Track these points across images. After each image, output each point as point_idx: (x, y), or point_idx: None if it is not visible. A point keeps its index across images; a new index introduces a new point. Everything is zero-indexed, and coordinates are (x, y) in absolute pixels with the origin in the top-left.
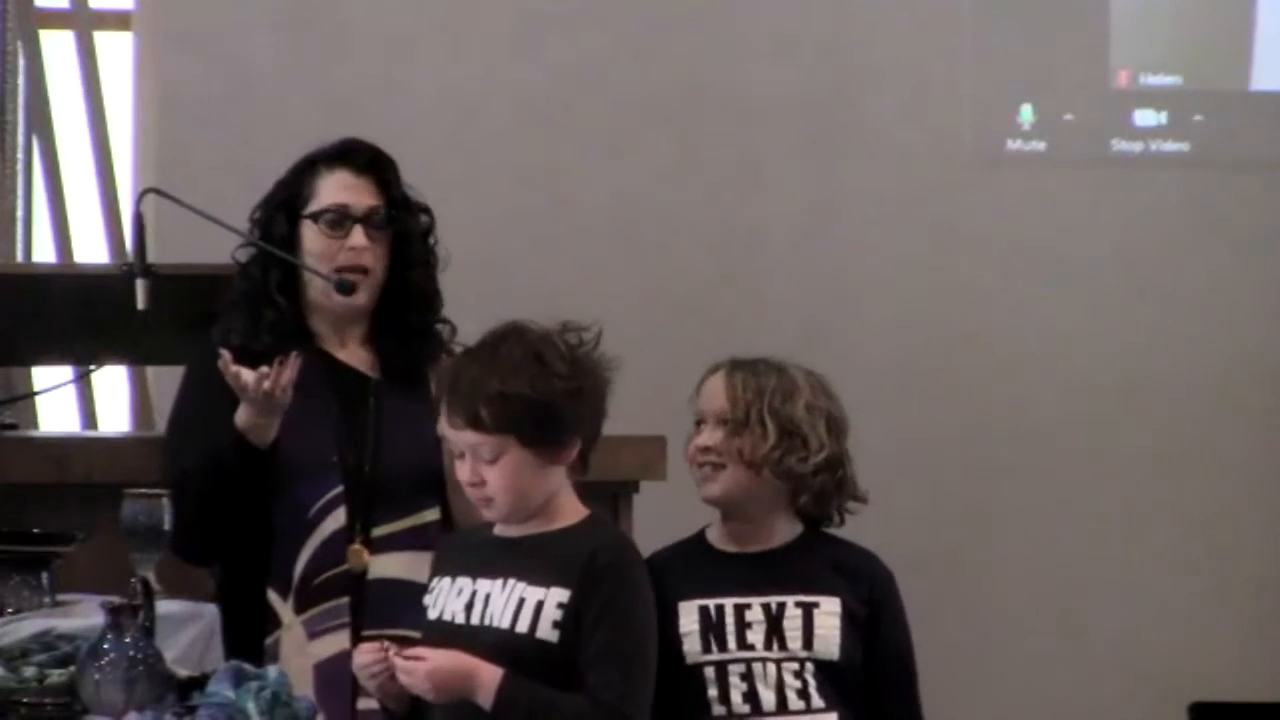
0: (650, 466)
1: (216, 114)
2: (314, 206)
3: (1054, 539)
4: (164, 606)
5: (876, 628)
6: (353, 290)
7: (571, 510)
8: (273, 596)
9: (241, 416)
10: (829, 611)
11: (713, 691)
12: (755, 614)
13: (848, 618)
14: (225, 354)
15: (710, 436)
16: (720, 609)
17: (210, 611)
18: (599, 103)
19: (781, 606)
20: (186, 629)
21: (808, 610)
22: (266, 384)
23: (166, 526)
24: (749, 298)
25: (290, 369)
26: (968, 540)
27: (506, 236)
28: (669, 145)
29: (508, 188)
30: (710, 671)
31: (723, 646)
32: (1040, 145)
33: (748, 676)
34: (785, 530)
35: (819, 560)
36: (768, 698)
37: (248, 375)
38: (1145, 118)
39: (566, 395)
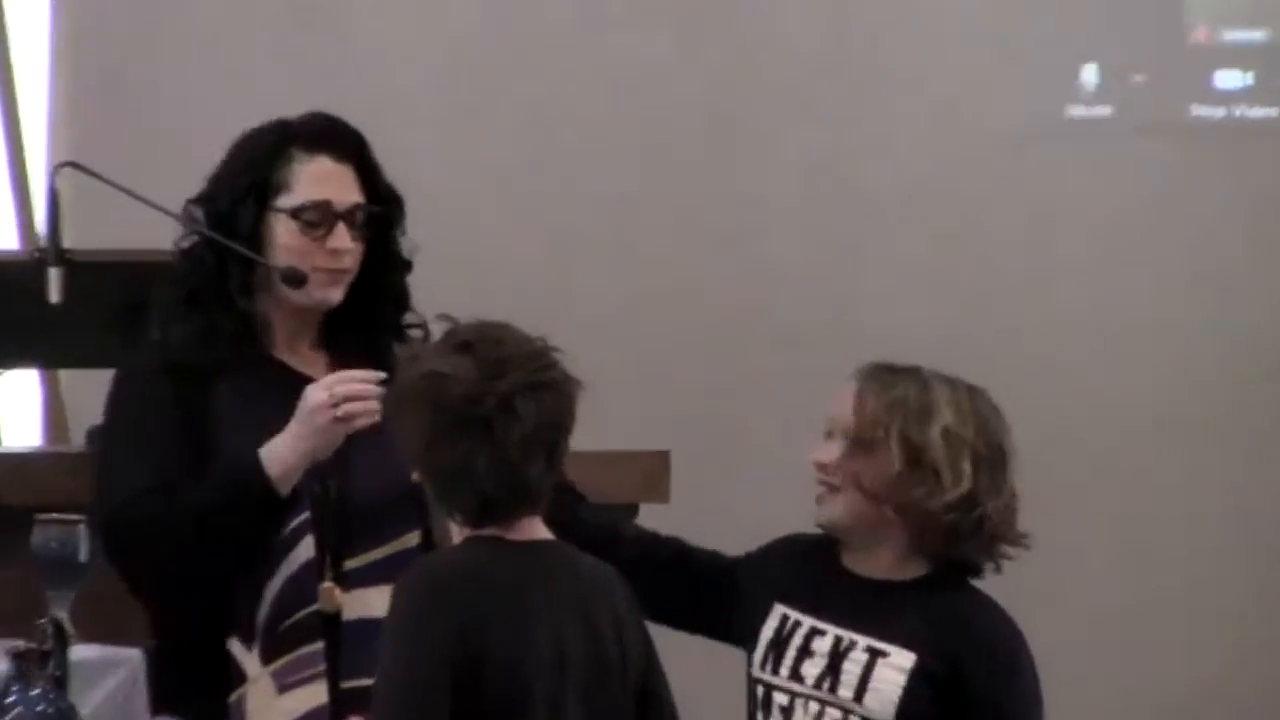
0: (653, 485)
1: (144, 76)
2: (291, 200)
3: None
4: (79, 652)
5: (962, 703)
6: (302, 282)
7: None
8: (235, 646)
9: (295, 447)
10: (896, 665)
11: (759, 715)
12: (823, 644)
13: (921, 677)
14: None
15: (828, 452)
16: (795, 626)
17: (132, 658)
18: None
19: (851, 645)
20: (105, 678)
21: (873, 657)
22: (352, 406)
23: (83, 558)
24: (756, 293)
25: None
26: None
27: (507, 240)
28: (686, 121)
29: (499, 189)
30: (759, 691)
31: (776, 669)
32: (1106, 110)
33: (788, 712)
34: (906, 568)
35: (921, 606)
36: None
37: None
38: (1228, 79)
39: None
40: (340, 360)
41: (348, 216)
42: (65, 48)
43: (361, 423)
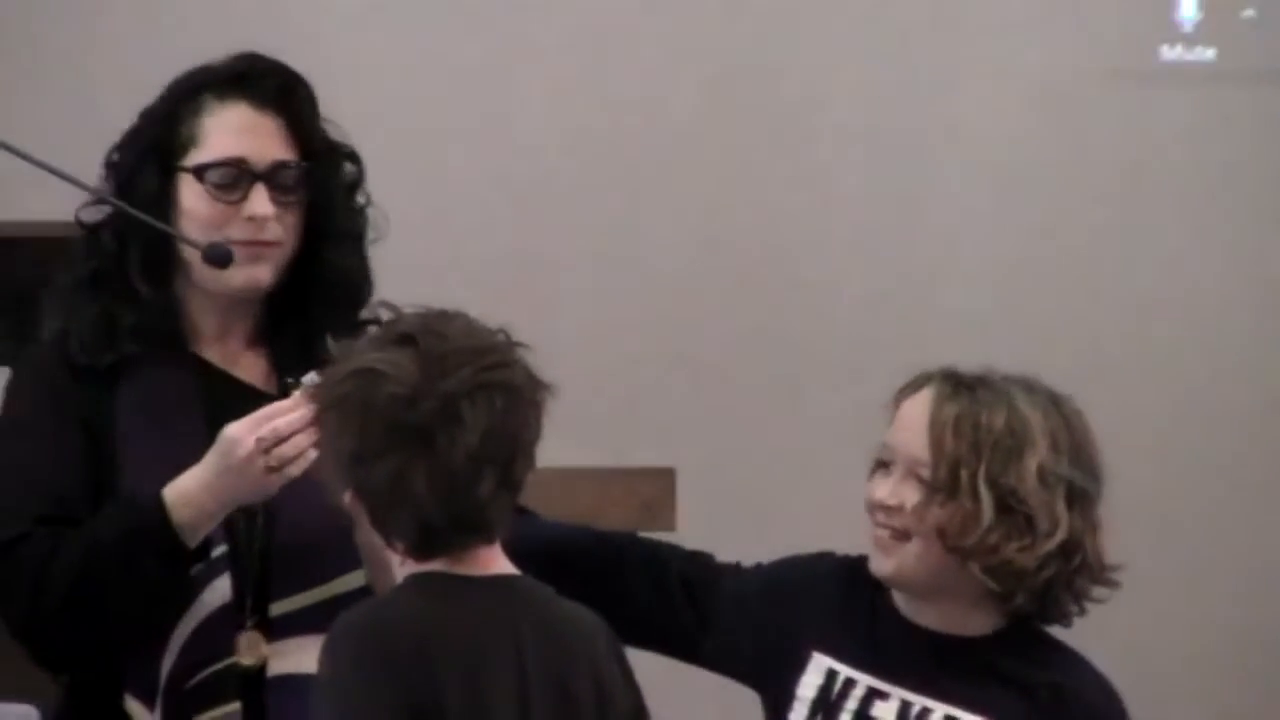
0: (656, 511)
1: (47, 23)
2: (198, 158)
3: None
4: None
5: None
6: (227, 261)
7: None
8: (132, 705)
9: (215, 495)
10: None
11: None
12: (887, 710)
13: None
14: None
15: (897, 493)
16: (849, 685)
17: (23, 714)
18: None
19: (925, 713)
20: None
21: None
22: (284, 449)
23: None
24: (774, 290)
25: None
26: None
27: (507, 241)
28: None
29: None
30: None
31: None
32: (1208, 53)
33: None
34: (981, 621)
35: (1010, 670)
36: None
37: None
38: None
39: None
40: (281, 361)
41: (269, 176)
42: None
43: (296, 469)
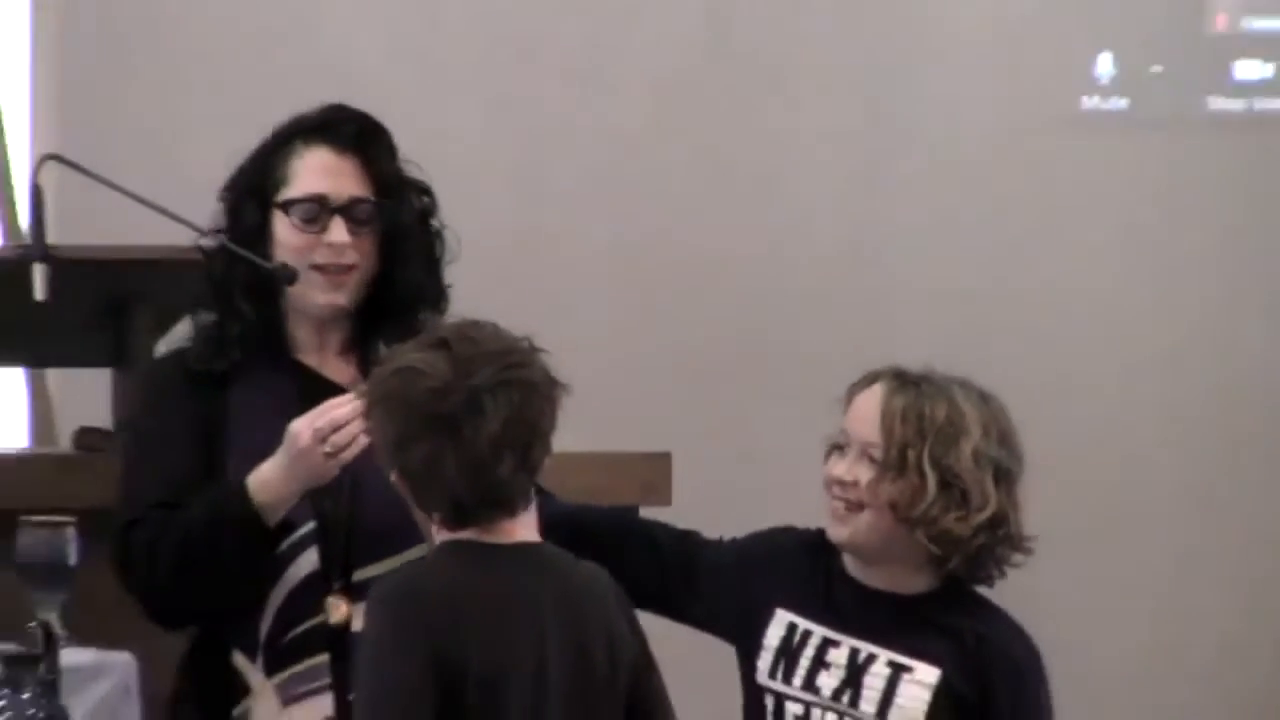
0: (654, 487)
1: (130, 66)
2: (287, 194)
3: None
4: (70, 656)
5: (985, 713)
6: (293, 280)
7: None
8: (239, 659)
9: (286, 481)
10: (921, 682)
11: None
12: (839, 655)
13: (947, 695)
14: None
15: (852, 470)
16: (806, 635)
17: (122, 663)
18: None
19: (871, 659)
20: (97, 683)
21: (897, 672)
22: (338, 437)
23: (72, 561)
24: (772, 300)
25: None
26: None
27: (510, 243)
28: (702, 124)
29: (508, 193)
30: (770, 701)
31: (788, 678)
32: (1122, 103)
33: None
34: (920, 582)
35: (943, 621)
36: None
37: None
38: (1248, 69)
39: None
40: (367, 366)
41: (345, 210)
42: (46, 45)
43: (350, 454)
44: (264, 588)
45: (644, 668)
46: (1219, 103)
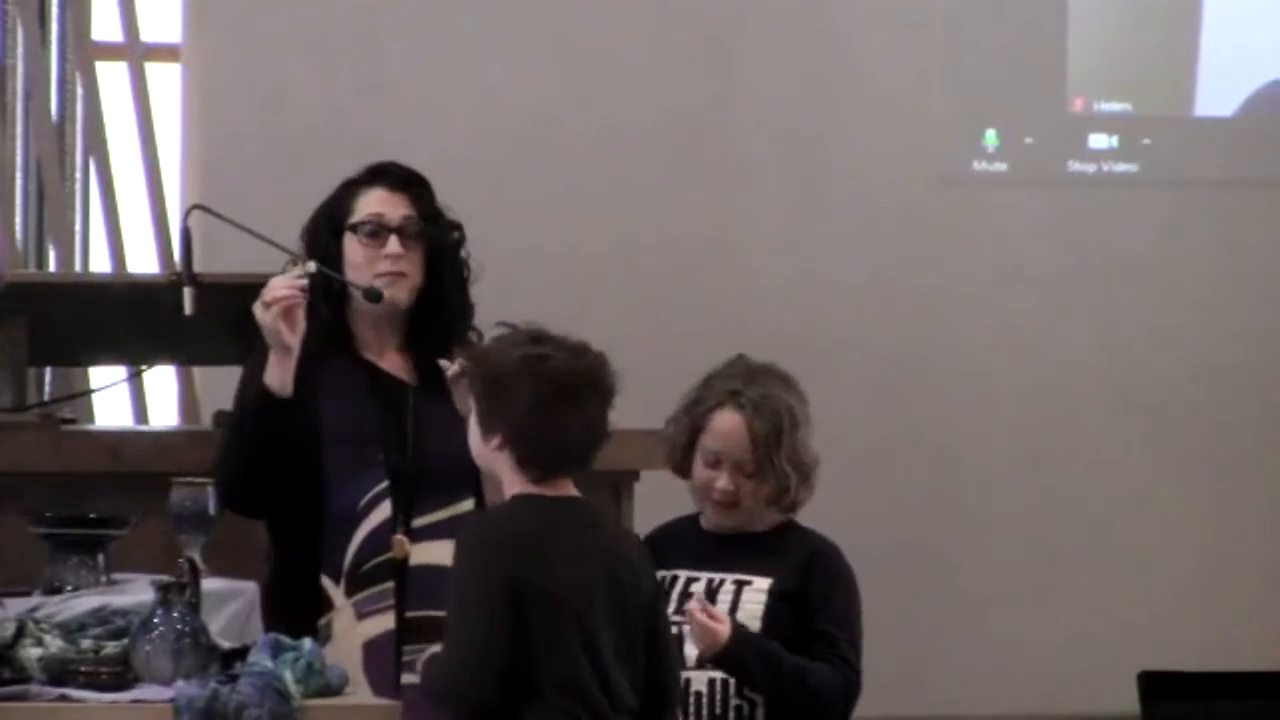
0: (649, 457)
1: (256, 136)
2: (353, 219)
3: (1022, 527)
4: (208, 584)
5: (805, 598)
6: (379, 298)
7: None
8: (326, 582)
9: (270, 357)
10: (758, 589)
11: None
12: (699, 587)
13: (779, 595)
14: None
15: (732, 481)
16: (674, 578)
17: (250, 589)
18: (602, 128)
19: (721, 582)
20: (229, 605)
21: (740, 587)
22: (268, 314)
23: (212, 512)
24: (732, 303)
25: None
26: (940, 531)
27: (518, 245)
28: (665, 166)
29: (522, 206)
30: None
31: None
32: (1003, 166)
33: (679, 638)
34: (766, 522)
35: (773, 545)
36: (692, 654)
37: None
38: (1099, 141)
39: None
40: (416, 361)
41: (399, 229)
42: (194, 108)
43: (290, 302)
44: (281, 463)
45: (657, 614)
46: (1076, 166)
